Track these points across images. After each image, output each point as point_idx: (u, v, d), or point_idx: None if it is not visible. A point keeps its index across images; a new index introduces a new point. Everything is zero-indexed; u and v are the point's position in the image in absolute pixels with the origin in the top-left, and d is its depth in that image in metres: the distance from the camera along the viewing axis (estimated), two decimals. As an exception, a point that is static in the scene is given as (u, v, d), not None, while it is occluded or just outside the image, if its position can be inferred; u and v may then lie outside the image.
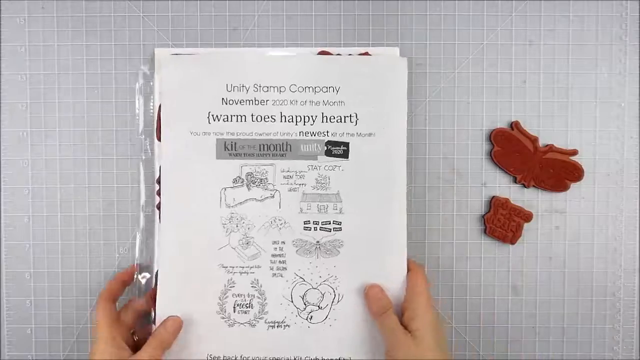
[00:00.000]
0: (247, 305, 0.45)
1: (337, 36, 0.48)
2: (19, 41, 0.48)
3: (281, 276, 0.45)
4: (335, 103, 0.45)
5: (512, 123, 0.47)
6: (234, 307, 0.45)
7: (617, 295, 0.48)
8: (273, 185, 0.45)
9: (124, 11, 0.48)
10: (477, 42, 0.48)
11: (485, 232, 0.48)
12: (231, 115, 0.45)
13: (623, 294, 0.48)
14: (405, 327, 0.42)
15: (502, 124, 0.48)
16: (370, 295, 0.44)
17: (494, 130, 0.47)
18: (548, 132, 0.48)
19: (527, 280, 0.48)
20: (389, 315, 0.43)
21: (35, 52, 0.48)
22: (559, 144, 0.48)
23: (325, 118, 0.45)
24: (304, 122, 0.45)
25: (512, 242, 0.48)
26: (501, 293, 0.49)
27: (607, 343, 0.49)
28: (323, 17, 0.48)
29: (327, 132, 0.45)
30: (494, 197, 0.48)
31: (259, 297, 0.45)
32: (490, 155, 0.48)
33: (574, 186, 0.48)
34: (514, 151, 0.47)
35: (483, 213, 0.48)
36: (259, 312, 0.45)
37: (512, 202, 0.48)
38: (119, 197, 0.48)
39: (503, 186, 0.48)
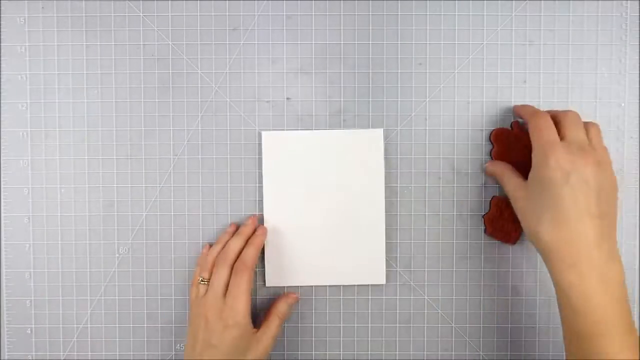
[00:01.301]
0: None
1: (337, 36, 0.48)
2: (19, 41, 0.48)
3: None
4: None
5: (512, 123, 0.47)
6: None
7: (617, 295, 0.48)
8: None
9: (124, 11, 0.48)
10: (477, 42, 0.48)
11: (485, 232, 0.48)
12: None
13: (623, 294, 0.48)
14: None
15: (502, 124, 0.48)
16: (489, 172, 0.46)
17: (493, 130, 0.47)
18: (548, 132, 0.48)
19: (527, 280, 0.48)
20: (507, 177, 0.44)
21: (35, 52, 0.48)
22: (559, 144, 0.48)
23: None
24: None
25: (513, 242, 0.48)
26: (501, 293, 0.49)
27: (607, 343, 0.48)
28: (323, 17, 0.48)
29: None
30: (494, 197, 0.48)
31: None
32: (490, 155, 0.48)
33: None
34: (514, 151, 0.47)
35: (483, 213, 0.48)
36: None
37: (512, 202, 0.48)
38: (119, 197, 0.48)
39: (503, 186, 0.48)
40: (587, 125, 0.41)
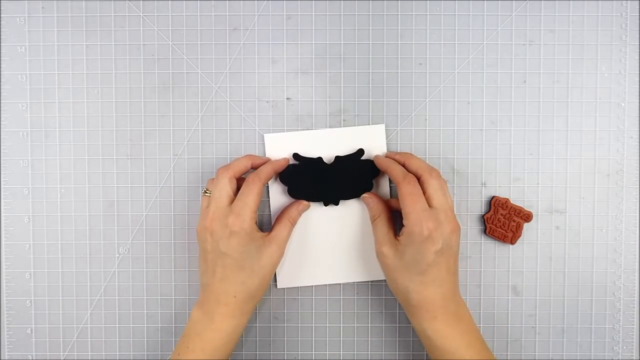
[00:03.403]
0: None
1: (337, 36, 0.48)
2: (19, 41, 0.48)
3: None
4: None
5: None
6: None
7: (617, 295, 0.48)
8: None
9: (124, 11, 0.48)
10: (477, 42, 0.48)
11: (485, 232, 0.48)
12: None
13: (623, 294, 0.48)
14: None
15: (502, 124, 0.48)
16: (365, 203, 0.47)
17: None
18: (548, 132, 0.48)
19: (527, 280, 0.48)
20: (377, 224, 0.45)
21: (35, 52, 0.48)
22: (559, 143, 0.48)
23: None
24: None
25: (512, 242, 0.48)
26: (501, 293, 0.49)
27: (607, 343, 0.49)
28: (323, 17, 0.48)
29: None
30: (494, 197, 0.48)
31: None
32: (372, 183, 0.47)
33: (574, 186, 0.48)
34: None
35: (483, 213, 0.48)
36: None
37: (512, 202, 0.48)
38: (119, 197, 0.48)
39: (503, 186, 0.48)
40: (440, 183, 0.43)
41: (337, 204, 0.47)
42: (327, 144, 0.47)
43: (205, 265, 0.43)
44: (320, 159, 0.47)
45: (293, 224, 0.46)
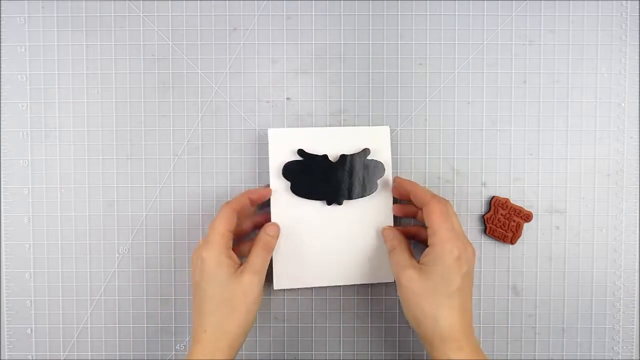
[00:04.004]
0: None
1: (337, 36, 0.48)
2: (19, 41, 0.48)
3: None
4: None
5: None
6: None
7: (617, 295, 0.48)
8: None
9: (124, 11, 0.48)
10: (477, 42, 0.48)
11: (485, 232, 0.48)
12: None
13: (623, 294, 0.48)
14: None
15: (502, 124, 0.48)
16: (384, 236, 0.46)
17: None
18: (548, 132, 0.48)
19: (527, 280, 0.48)
20: (396, 253, 0.43)
21: (35, 52, 0.48)
22: (559, 143, 0.48)
23: None
24: None
25: (512, 242, 0.48)
26: (501, 293, 0.49)
27: (607, 343, 0.49)
28: (323, 17, 0.48)
29: None
30: (494, 197, 0.48)
31: None
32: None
33: (574, 186, 0.48)
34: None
35: (483, 213, 0.48)
36: None
37: (512, 202, 0.48)
38: (119, 197, 0.48)
39: (503, 186, 0.48)
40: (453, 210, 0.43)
41: (340, 203, 0.46)
42: (330, 143, 0.46)
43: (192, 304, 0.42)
44: (326, 156, 0.46)
45: (268, 249, 0.44)
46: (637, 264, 0.48)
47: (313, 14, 0.48)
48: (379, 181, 0.46)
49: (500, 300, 0.49)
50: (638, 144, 0.48)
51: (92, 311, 0.49)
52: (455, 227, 0.41)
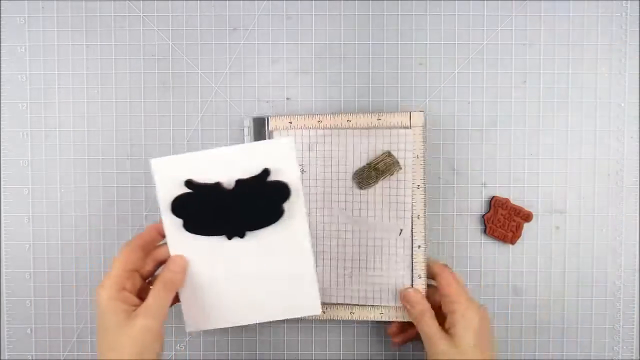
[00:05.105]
0: None
1: (337, 36, 0.48)
2: (19, 41, 0.48)
3: None
4: None
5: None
6: None
7: (617, 295, 0.48)
8: None
9: (124, 11, 0.48)
10: (477, 42, 0.48)
11: (485, 232, 0.48)
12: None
13: (623, 294, 0.48)
14: (447, 331, 0.41)
15: (502, 124, 0.48)
16: (408, 301, 0.44)
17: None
18: (548, 132, 0.48)
19: (527, 280, 0.48)
20: (427, 320, 0.42)
21: (35, 52, 0.48)
22: (559, 143, 0.48)
23: None
24: None
25: (512, 242, 0.48)
26: (501, 293, 0.49)
27: (607, 343, 0.49)
28: (323, 17, 0.48)
29: None
30: (494, 197, 0.48)
31: None
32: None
33: (574, 186, 0.48)
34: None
35: (483, 213, 0.48)
36: None
37: (512, 202, 0.48)
38: (118, 197, 0.48)
39: (503, 186, 0.48)
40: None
41: (242, 236, 0.40)
42: (225, 167, 0.39)
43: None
44: (218, 184, 0.39)
45: (170, 287, 0.39)
46: (637, 264, 0.48)
47: (313, 14, 0.48)
48: (285, 205, 0.40)
49: (500, 300, 0.49)
50: (638, 144, 0.48)
51: (92, 311, 0.49)
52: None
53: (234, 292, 0.41)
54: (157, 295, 0.38)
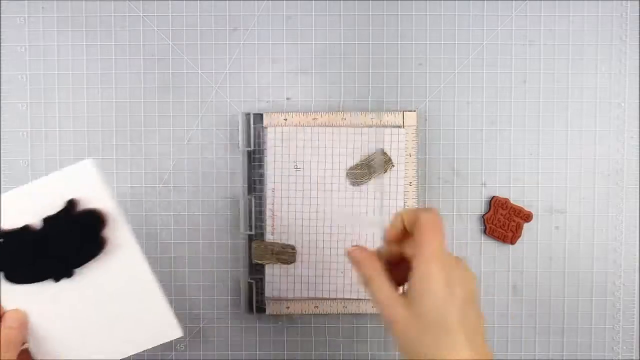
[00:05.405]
0: None
1: (337, 36, 0.48)
2: (19, 41, 0.48)
3: None
4: None
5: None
6: None
7: (617, 295, 0.48)
8: None
9: (124, 11, 0.48)
10: (477, 42, 0.48)
11: (485, 232, 0.48)
12: None
13: (623, 294, 0.48)
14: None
15: (502, 124, 0.48)
16: (352, 261, 0.35)
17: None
18: (548, 132, 0.48)
19: (527, 280, 0.48)
20: (374, 285, 0.33)
21: (35, 52, 0.48)
22: (559, 143, 0.48)
23: None
24: None
25: (512, 242, 0.48)
26: (501, 293, 0.49)
27: (607, 343, 0.49)
28: (323, 17, 0.48)
29: None
30: (494, 197, 0.48)
31: None
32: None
33: (574, 186, 0.48)
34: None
35: (483, 213, 0.48)
36: None
37: (512, 202, 0.48)
38: (119, 197, 0.48)
39: (503, 186, 0.48)
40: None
41: (70, 276, 0.37)
42: (31, 205, 0.36)
43: None
44: (26, 227, 0.36)
45: (9, 347, 0.35)
46: (637, 264, 0.48)
47: (313, 14, 0.48)
48: (105, 233, 0.36)
49: (500, 300, 0.49)
50: (638, 144, 0.48)
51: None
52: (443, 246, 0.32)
53: (84, 335, 0.38)
54: None
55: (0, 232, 0.36)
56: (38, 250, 0.36)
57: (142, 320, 0.39)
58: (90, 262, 0.37)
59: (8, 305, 0.37)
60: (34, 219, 0.36)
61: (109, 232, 0.36)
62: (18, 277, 0.36)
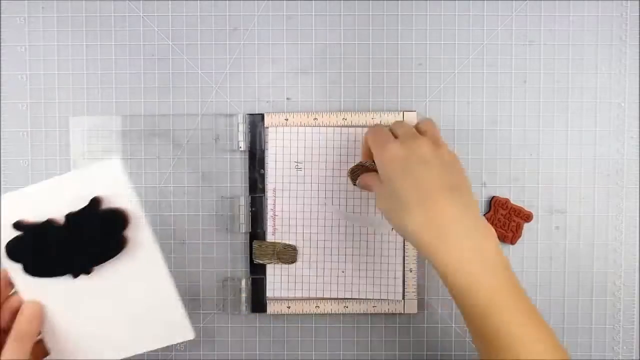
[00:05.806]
0: None
1: (337, 36, 0.48)
2: (19, 41, 0.48)
3: None
4: None
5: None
6: None
7: (617, 295, 0.48)
8: None
9: (124, 11, 0.48)
10: (477, 42, 0.48)
11: (485, 232, 0.48)
12: None
13: (623, 294, 0.48)
14: None
15: (502, 124, 0.48)
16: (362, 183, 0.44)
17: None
18: (548, 132, 0.48)
19: (527, 280, 0.48)
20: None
21: (35, 52, 0.48)
22: (559, 143, 0.48)
23: None
24: None
25: (512, 242, 0.48)
26: (501, 293, 0.49)
27: (607, 343, 0.49)
28: (323, 17, 0.48)
29: None
30: (494, 197, 0.48)
31: None
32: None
33: (574, 186, 0.48)
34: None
35: (483, 213, 0.48)
36: None
37: (512, 202, 0.48)
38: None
39: (503, 186, 0.48)
40: (420, 123, 0.41)
41: (88, 273, 0.37)
42: (55, 200, 0.36)
43: None
44: (48, 222, 0.36)
45: (24, 339, 0.36)
46: (637, 264, 0.48)
47: (313, 14, 0.48)
48: (127, 233, 0.37)
49: (500, 300, 0.49)
50: (638, 144, 0.48)
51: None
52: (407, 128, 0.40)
53: (96, 332, 0.39)
54: (12, 350, 0.35)
55: (21, 225, 0.36)
56: (59, 246, 0.36)
57: (156, 320, 0.39)
58: (109, 261, 0.37)
59: (28, 297, 0.37)
60: (58, 214, 0.36)
61: (130, 232, 0.37)
62: (37, 270, 0.37)
